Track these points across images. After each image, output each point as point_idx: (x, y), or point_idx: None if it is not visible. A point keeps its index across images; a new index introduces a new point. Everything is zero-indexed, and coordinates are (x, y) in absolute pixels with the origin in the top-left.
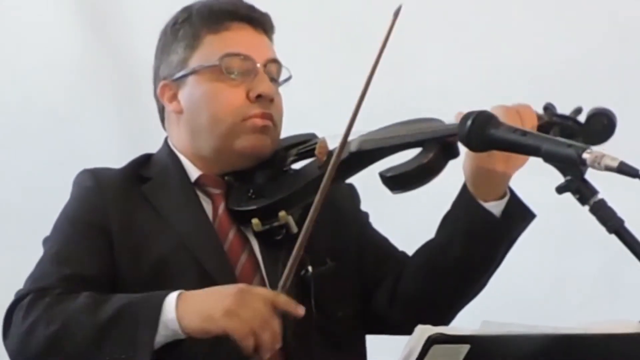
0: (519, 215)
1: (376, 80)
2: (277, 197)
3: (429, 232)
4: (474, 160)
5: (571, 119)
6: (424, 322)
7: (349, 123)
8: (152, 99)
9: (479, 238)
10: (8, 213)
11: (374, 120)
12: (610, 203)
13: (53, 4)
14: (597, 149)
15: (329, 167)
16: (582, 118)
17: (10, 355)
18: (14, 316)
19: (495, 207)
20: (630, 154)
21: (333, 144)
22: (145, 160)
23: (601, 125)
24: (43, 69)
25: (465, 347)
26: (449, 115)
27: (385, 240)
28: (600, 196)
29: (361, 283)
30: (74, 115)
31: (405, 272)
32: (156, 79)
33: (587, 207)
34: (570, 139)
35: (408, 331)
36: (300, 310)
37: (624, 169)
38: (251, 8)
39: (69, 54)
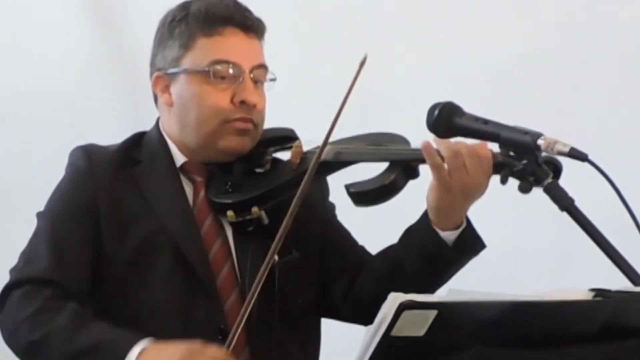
0: (470, 246)
1: (350, 73)
2: (251, 195)
3: (393, 221)
4: (436, 193)
5: (522, 162)
6: (372, 320)
7: (322, 144)
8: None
9: (432, 261)
10: (23, 194)
11: (346, 111)
12: (562, 184)
13: (63, 5)
14: (551, 136)
15: (302, 186)
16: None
17: (3, 338)
18: (9, 299)
19: (451, 235)
20: (579, 144)
21: (307, 146)
22: (137, 140)
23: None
24: (55, 64)
25: (433, 313)
26: (417, 106)
27: (347, 235)
28: (552, 177)
29: (321, 274)
30: (82, 104)
31: (363, 273)
32: (152, 66)
33: (541, 188)
34: (520, 180)
35: (356, 322)
36: None
37: (574, 154)
38: (244, 15)
39: (78, 51)
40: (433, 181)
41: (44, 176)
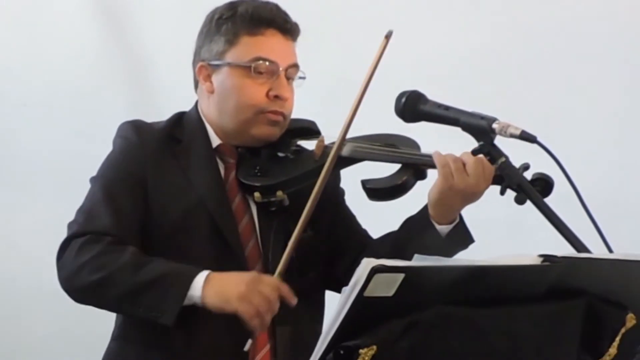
0: (460, 239)
1: (329, 67)
2: (277, 180)
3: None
4: (439, 189)
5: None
6: None
7: (340, 138)
8: (158, 81)
9: (426, 249)
10: (42, 171)
11: (332, 99)
12: (514, 162)
13: (78, 5)
14: (504, 120)
15: (321, 176)
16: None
17: (60, 282)
18: (67, 249)
19: (445, 229)
20: (529, 128)
21: (328, 140)
22: (178, 121)
23: (541, 187)
24: (70, 56)
25: (401, 276)
26: (385, 94)
27: (353, 218)
28: (505, 157)
29: (329, 251)
30: (94, 92)
31: (366, 252)
32: (196, 56)
33: (495, 166)
34: (516, 192)
35: None
36: (294, 301)
37: (524, 136)
38: (285, 19)
39: (90, 45)
40: (438, 180)
41: (61, 156)
